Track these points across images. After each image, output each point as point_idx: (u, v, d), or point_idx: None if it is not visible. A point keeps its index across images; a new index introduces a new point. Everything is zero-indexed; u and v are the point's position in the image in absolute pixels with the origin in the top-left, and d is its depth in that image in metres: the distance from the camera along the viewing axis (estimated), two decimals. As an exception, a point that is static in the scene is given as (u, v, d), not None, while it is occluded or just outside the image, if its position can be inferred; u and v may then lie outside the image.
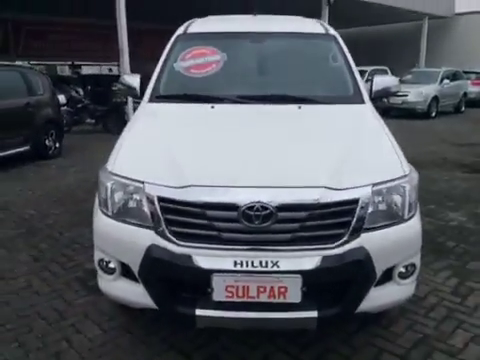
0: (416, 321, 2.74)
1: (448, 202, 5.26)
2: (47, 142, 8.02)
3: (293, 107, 2.74)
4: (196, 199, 1.95)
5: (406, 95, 13.94)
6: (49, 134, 8.05)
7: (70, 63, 22.70)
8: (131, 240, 2.08)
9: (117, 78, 14.39)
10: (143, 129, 2.64)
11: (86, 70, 23.83)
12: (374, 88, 3.14)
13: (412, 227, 2.16)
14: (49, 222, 4.61)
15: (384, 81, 3.22)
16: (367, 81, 13.49)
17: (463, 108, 16.75)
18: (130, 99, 12.04)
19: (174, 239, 1.98)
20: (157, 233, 2.01)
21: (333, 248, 1.96)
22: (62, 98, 8.84)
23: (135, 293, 2.14)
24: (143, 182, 2.07)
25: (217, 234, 1.95)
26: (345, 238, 1.97)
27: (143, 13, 16.08)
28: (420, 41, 23.09)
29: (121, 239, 2.12)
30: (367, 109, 2.87)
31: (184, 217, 1.98)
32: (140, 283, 2.10)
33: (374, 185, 2.05)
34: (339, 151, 2.24)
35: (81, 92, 12.96)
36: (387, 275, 2.13)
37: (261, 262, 1.93)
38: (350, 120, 2.73)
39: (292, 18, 3.90)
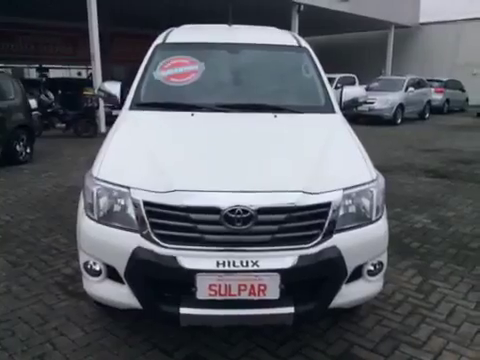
0: (384, 317, 2.93)
1: (413, 205, 5.55)
2: (18, 147, 7.89)
3: (269, 116, 2.89)
4: (180, 203, 2.07)
5: (373, 102, 14.38)
6: (20, 139, 7.92)
7: (37, 66, 22.26)
8: (117, 243, 2.17)
9: (87, 82, 14.32)
10: (126, 136, 2.73)
11: (54, 73, 23.42)
12: (344, 98, 3.34)
13: (379, 228, 2.34)
14: (25, 228, 4.59)
15: (353, 92, 3.42)
16: (336, 88, 13.91)
17: (427, 115, 17.38)
18: (101, 104, 11.99)
19: (159, 241, 2.09)
20: (142, 236, 2.11)
21: (308, 248, 2.11)
22: (33, 103, 8.72)
23: (120, 294, 2.23)
24: (129, 187, 2.17)
25: (200, 236, 2.07)
26: (319, 238, 2.13)
27: (113, 16, 15.99)
28: (386, 49, 23.89)
29: (107, 242, 2.21)
30: (337, 118, 3.06)
31: (169, 220, 2.09)
32: (125, 284, 2.19)
33: (344, 189, 2.22)
34: (313, 158, 2.40)
35: (51, 96, 12.76)
36: (357, 272, 2.30)
37: (242, 262, 2.06)
38: (322, 129, 2.90)
39: (267, 29, 4.06)
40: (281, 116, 2.91)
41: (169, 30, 3.75)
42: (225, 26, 3.95)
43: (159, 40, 3.54)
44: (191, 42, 3.48)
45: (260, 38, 3.63)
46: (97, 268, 2.29)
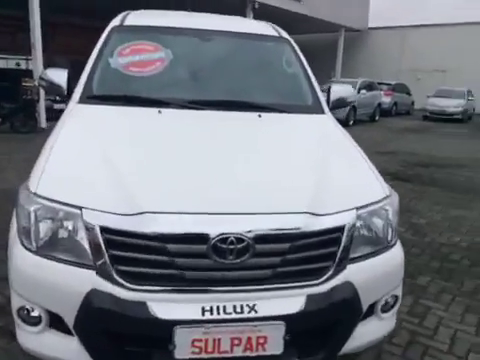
0: (382, 349, 2.53)
1: (384, 212, 5.28)
2: None
3: (253, 115, 2.42)
4: (152, 230, 1.54)
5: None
6: None
7: (-31, 55, 20.39)
8: (63, 283, 1.60)
9: (27, 73, 13.17)
10: (75, 137, 2.13)
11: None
12: (332, 98, 2.92)
13: (396, 255, 1.94)
14: None
15: (341, 91, 3.01)
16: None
17: (377, 117, 17.71)
18: (42, 96, 11.06)
19: (123, 281, 1.55)
20: (99, 274, 1.56)
21: (318, 285, 1.66)
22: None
23: (68, 350, 1.66)
24: (80, 207, 1.61)
25: (179, 273, 1.56)
26: (330, 272, 1.68)
27: (57, 5, 14.87)
28: (336, 52, 24.15)
29: (49, 282, 1.62)
30: (329, 120, 2.64)
31: (136, 253, 1.56)
32: (75, 336, 1.63)
33: (358, 209, 1.79)
34: (315, 169, 1.95)
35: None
36: (370, 309, 1.87)
37: (235, 307, 1.57)
38: (316, 132, 2.47)
39: (237, 18, 3.60)
40: (266, 116, 2.44)
41: (126, 13, 3.16)
42: (186, 13, 3.44)
43: (116, 22, 2.95)
44: (155, 25, 2.92)
45: (235, 26, 3.15)
46: (35, 314, 1.69)
